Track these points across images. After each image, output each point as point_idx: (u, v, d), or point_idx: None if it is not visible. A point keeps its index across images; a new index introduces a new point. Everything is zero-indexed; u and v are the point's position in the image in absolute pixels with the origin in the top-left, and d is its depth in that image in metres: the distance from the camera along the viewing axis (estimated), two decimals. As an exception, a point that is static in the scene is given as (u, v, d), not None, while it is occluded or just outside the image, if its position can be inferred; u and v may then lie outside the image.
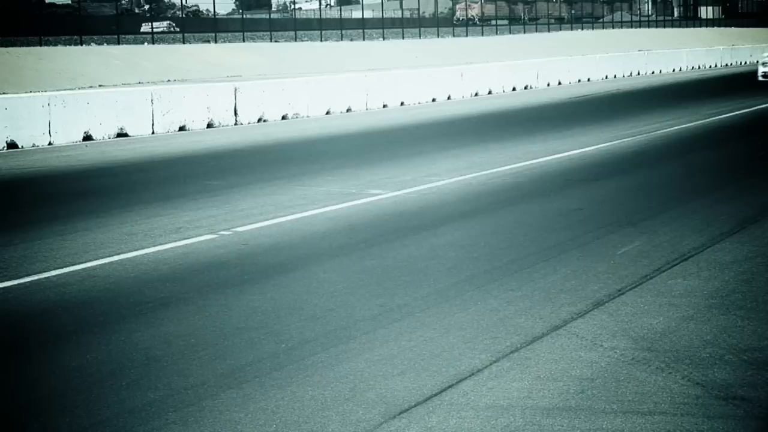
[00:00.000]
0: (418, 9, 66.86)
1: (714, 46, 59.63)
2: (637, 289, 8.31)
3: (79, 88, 30.14)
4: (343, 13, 65.58)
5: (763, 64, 38.15)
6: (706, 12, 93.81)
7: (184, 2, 55.36)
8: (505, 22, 74.88)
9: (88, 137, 21.61)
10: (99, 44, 43.63)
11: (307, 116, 27.28)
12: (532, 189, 13.93)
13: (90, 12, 53.25)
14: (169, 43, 47.65)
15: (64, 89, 27.99)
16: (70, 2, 55.35)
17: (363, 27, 58.86)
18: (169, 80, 36.72)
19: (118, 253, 10.04)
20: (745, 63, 57.64)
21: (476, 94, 34.97)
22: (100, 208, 12.81)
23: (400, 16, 69.58)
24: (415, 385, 6.20)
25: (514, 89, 37.50)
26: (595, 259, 9.39)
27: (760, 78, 37.70)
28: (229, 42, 49.95)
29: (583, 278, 8.70)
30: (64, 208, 12.95)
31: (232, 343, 7.11)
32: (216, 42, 49.42)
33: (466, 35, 65.16)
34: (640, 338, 7.01)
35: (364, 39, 57.50)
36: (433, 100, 32.68)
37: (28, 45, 39.96)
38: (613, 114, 25.85)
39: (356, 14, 65.35)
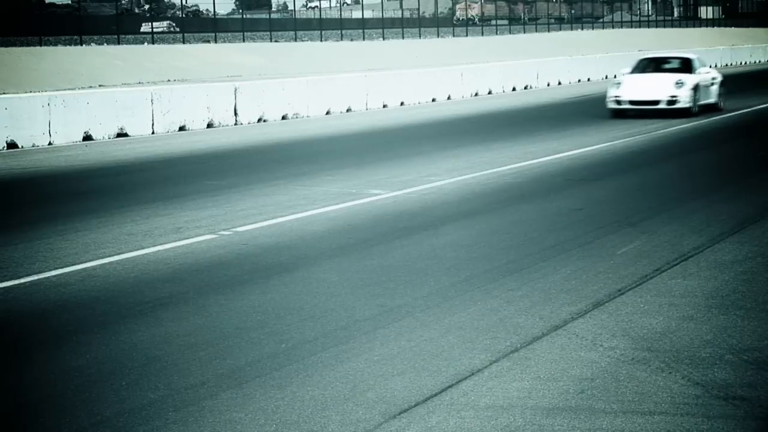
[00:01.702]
0: (418, 9, 66.84)
1: (714, 46, 59.61)
2: (637, 289, 8.31)
3: (79, 88, 30.13)
4: (343, 13, 65.56)
5: (617, 84, 24.91)
6: (706, 12, 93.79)
7: (184, 2, 55.36)
8: (505, 22, 74.89)
9: (88, 137, 21.61)
10: (99, 44, 43.62)
11: (307, 116, 27.28)
12: (532, 189, 13.92)
13: (90, 12, 53.21)
14: (169, 43, 47.65)
15: (64, 89, 27.98)
16: (70, 2, 55.33)
17: (363, 27, 58.85)
18: (169, 80, 36.71)
19: (118, 253, 10.04)
20: (745, 63, 57.70)
21: (476, 94, 34.97)
22: (100, 208, 12.81)
23: (400, 16, 69.55)
24: (415, 385, 6.20)
25: (514, 89, 37.51)
26: (595, 259, 9.39)
27: (611, 105, 24.32)
28: (229, 42, 49.94)
29: (583, 278, 8.69)
30: (64, 208, 12.95)
31: (232, 343, 7.11)
32: (216, 42, 49.42)
33: (466, 35, 65.15)
34: (640, 338, 7.01)
35: (364, 39, 57.49)
36: (433, 100, 32.68)
37: (28, 45, 39.94)
38: (613, 114, 25.80)
39: (356, 14, 65.36)
